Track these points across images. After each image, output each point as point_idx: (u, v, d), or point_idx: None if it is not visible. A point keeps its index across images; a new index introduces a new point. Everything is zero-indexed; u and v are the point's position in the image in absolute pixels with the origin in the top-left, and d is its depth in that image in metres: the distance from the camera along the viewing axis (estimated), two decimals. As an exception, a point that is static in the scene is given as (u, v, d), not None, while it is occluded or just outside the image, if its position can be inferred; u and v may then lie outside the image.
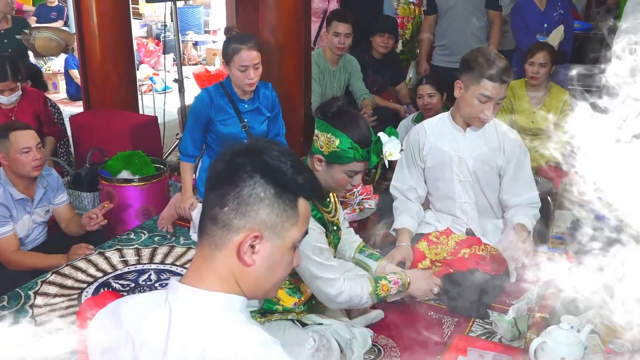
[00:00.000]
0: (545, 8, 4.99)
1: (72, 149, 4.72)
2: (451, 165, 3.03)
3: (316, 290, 2.36)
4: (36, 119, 4.14)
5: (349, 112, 2.40)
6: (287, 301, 2.49)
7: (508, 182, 3.03)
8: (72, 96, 7.67)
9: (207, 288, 1.20)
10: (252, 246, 1.21)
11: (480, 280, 2.83)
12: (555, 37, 4.91)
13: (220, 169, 1.22)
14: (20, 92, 4.04)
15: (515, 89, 4.28)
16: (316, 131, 2.38)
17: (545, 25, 4.95)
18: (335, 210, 2.56)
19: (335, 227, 2.54)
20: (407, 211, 3.11)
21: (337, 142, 2.30)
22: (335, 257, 2.62)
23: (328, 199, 2.51)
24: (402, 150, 2.41)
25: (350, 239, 2.81)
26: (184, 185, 3.60)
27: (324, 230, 2.40)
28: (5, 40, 5.12)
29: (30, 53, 5.78)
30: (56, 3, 9.48)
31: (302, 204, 1.25)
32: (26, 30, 5.38)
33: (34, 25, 7.54)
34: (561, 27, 4.93)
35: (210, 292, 1.20)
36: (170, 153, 5.23)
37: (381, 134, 2.36)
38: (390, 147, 2.37)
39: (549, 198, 3.64)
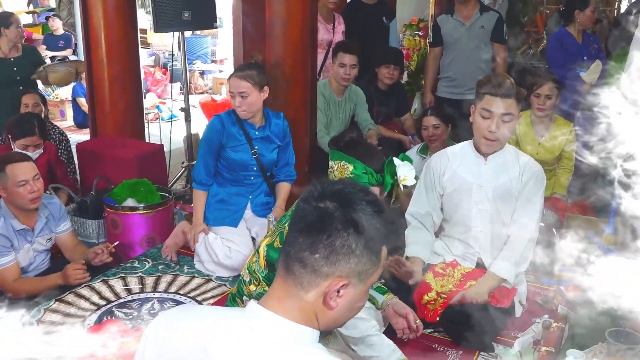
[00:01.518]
0: (582, 41, 5.05)
1: (78, 176, 4.74)
2: (470, 192, 3.01)
3: (349, 325, 2.34)
4: (49, 171, 4.18)
5: (362, 141, 2.42)
6: None
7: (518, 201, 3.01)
8: (79, 124, 7.72)
9: (293, 320, 1.24)
10: (337, 291, 1.25)
11: (485, 313, 2.81)
12: (595, 71, 4.90)
13: (309, 215, 1.25)
14: (42, 151, 4.11)
15: (520, 120, 4.29)
16: (330, 163, 2.40)
17: (585, 58, 4.98)
18: None
19: None
20: (420, 240, 3.09)
21: (350, 167, 2.33)
22: None
23: None
24: (416, 177, 2.42)
25: None
26: (195, 213, 3.62)
27: None
28: (15, 68, 5.17)
29: (39, 82, 5.81)
30: (62, 32, 9.59)
31: (384, 250, 1.30)
32: (40, 69, 5.46)
33: (42, 52, 7.63)
34: (599, 62, 4.92)
35: (299, 324, 1.24)
36: (175, 181, 5.24)
37: (394, 158, 2.38)
38: (405, 171, 2.39)
39: (554, 230, 3.63)
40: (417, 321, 2.65)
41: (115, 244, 3.48)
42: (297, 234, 1.26)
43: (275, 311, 1.24)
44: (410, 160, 2.42)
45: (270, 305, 1.26)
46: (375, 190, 2.38)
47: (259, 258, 2.51)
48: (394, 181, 2.38)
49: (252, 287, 2.56)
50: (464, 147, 3.08)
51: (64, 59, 9.23)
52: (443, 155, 3.12)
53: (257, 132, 3.59)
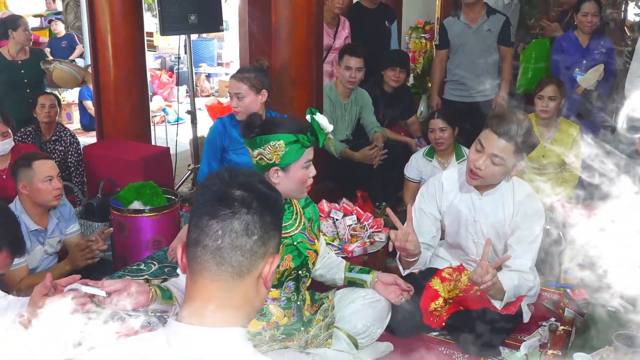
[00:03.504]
0: (587, 45, 4.95)
1: (85, 179, 4.75)
2: (466, 225, 2.92)
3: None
4: None
5: (268, 118, 2.45)
6: (253, 327, 2.47)
7: (512, 240, 2.86)
8: (86, 127, 7.75)
9: (217, 324, 1.20)
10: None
11: (491, 320, 2.79)
12: (593, 75, 4.78)
13: (231, 198, 1.23)
14: (12, 143, 4.03)
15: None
16: (256, 151, 2.41)
17: (585, 62, 4.90)
18: (299, 224, 2.57)
19: (290, 241, 2.51)
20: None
21: (282, 143, 2.35)
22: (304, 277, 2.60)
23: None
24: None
25: (336, 262, 2.83)
26: None
27: None
28: (22, 71, 5.20)
29: (45, 82, 5.83)
30: (63, 33, 9.64)
31: None
32: (49, 58, 5.49)
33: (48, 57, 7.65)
34: (600, 67, 4.81)
35: (226, 328, 1.20)
36: (181, 184, 5.25)
37: (310, 116, 2.42)
38: (324, 122, 2.42)
39: (560, 233, 3.62)
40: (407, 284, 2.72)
41: (110, 229, 3.47)
42: (222, 221, 1.21)
43: (203, 322, 1.19)
44: (316, 111, 2.47)
45: (195, 318, 1.20)
46: (311, 151, 2.42)
47: None
48: (326, 134, 2.42)
49: None
50: (460, 176, 2.94)
51: (71, 63, 9.28)
52: (437, 185, 2.98)
53: None
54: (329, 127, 2.44)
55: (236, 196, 1.22)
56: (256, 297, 1.26)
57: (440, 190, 2.96)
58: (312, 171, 2.46)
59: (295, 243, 2.50)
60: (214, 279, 1.21)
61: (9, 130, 4.02)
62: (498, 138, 2.64)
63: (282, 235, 2.44)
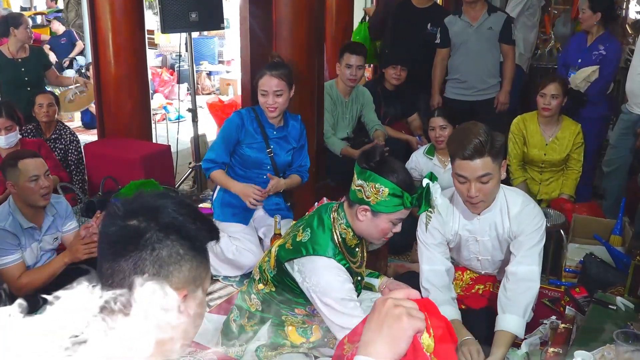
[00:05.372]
0: (589, 45, 4.86)
1: (86, 177, 4.75)
2: (468, 246, 2.87)
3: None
4: None
5: (389, 159, 2.39)
6: (295, 340, 2.54)
7: (513, 246, 2.77)
8: (87, 125, 7.75)
9: None
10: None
11: (493, 320, 2.78)
12: (581, 76, 4.71)
13: (121, 234, 1.15)
14: (19, 136, 4.08)
15: (527, 121, 4.28)
16: (359, 181, 2.36)
17: (579, 61, 4.84)
18: (363, 260, 2.59)
19: (359, 278, 2.57)
20: (447, 301, 2.75)
21: (386, 191, 2.29)
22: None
23: (357, 249, 2.52)
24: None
25: None
26: (232, 186, 3.56)
27: (351, 279, 2.42)
28: (23, 69, 5.19)
29: (45, 80, 5.83)
30: (62, 30, 9.65)
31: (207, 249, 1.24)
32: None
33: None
34: (590, 68, 4.72)
35: None
36: (182, 182, 5.25)
37: (427, 182, 2.36)
38: (437, 195, 2.37)
39: (561, 231, 3.62)
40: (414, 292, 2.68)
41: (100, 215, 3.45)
42: (112, 261, 1.13)
43: None
44: (435, 179, 2.39)
45: None
46: (407, 212, 2.36)
47: (270, 258, 2.56)
48: (427, 207, 2.37)
49: (260, 286, 2.61)
50: (454, 202, 2.84)
51: (71, 61, 9.28)
52: (438, 217, 2.82)
53: (275, 132, 3.60)
54: (438, 202, 2.37)
55: (129, 228, 1.14)
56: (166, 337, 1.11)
57: (442, 221, 2.83)
58: (398, 228, 2.42)
59: (359, 279, 2.57)
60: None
61: (14, 125, 4.04)
62: (472, 162, 2.51)
63: (357, 270, 2.48)
